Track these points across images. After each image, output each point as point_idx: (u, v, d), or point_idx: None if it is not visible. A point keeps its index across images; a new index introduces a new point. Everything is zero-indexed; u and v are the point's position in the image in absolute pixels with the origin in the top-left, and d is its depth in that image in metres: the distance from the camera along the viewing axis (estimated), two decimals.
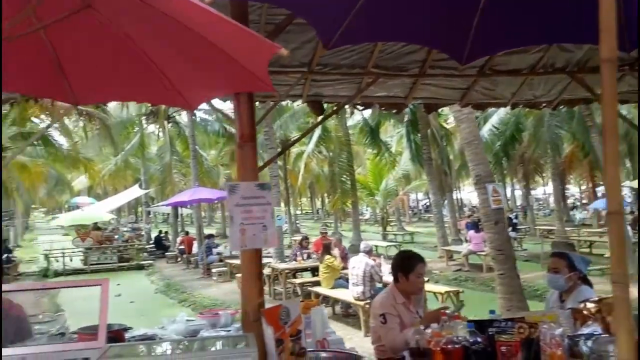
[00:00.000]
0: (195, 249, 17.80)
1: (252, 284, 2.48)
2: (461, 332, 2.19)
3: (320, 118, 5.41)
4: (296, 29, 3.31)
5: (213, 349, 2.20)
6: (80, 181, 32.38)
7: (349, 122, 22.61)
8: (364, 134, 21.53)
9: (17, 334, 2.73)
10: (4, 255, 15.51)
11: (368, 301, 7.46)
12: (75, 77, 2.74)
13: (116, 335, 2.97)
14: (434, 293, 7.98)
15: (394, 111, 5.09)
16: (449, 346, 2.09)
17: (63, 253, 18.14)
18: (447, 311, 2.52)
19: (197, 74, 2.63)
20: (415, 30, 2.72)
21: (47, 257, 17.66)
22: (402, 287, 3.06)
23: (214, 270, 14.51)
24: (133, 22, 2.37)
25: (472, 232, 14.42)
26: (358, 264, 7.75)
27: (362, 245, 8.41)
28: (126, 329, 3.62)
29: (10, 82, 3.02)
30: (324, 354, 2.18)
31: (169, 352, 2.15)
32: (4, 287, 4.77)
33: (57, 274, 16.37)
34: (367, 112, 20.22)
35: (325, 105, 4.37)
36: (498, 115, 18.04)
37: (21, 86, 3.24)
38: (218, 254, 15.61)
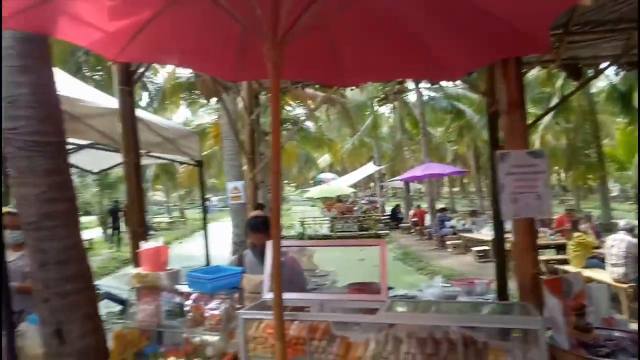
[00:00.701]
0: (427, 221, 18.22)
1: (527, 254, 2.44)
2: None
3: (564, 86, 4.88)
4: None
5: (491, 313, 2.24)
6: (323, 159, 36.36)
7: (592, 90, 19.53)
8: (612, 100, 18.24)
9: (289, 282, 3.11)
10: None
11: (631, 284, 6.60)
12: (346, 61, 3.05)
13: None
14: None
15: None
16: None
17: (314, 221, 20.79)
18: None
19: (462, 44, 2.62)
20: None
21: (302, 223, 20.60)
22: None
23: (448, 242, 14.68)
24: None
25: None
26: (618, 243, 6.82)
27: (623, 223, 7.33)
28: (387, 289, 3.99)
29: (293, 72, 3.58)
30: (617, 334, 1.99)
31: (448, 311, 2.28)
32: (299, 242, 5.67)
33: (310, 238, 18.85)
34: (615, 77, 17.17)
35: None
36: None
37: (307, 74, 3.79)
38: (451, 227, 15.63)
